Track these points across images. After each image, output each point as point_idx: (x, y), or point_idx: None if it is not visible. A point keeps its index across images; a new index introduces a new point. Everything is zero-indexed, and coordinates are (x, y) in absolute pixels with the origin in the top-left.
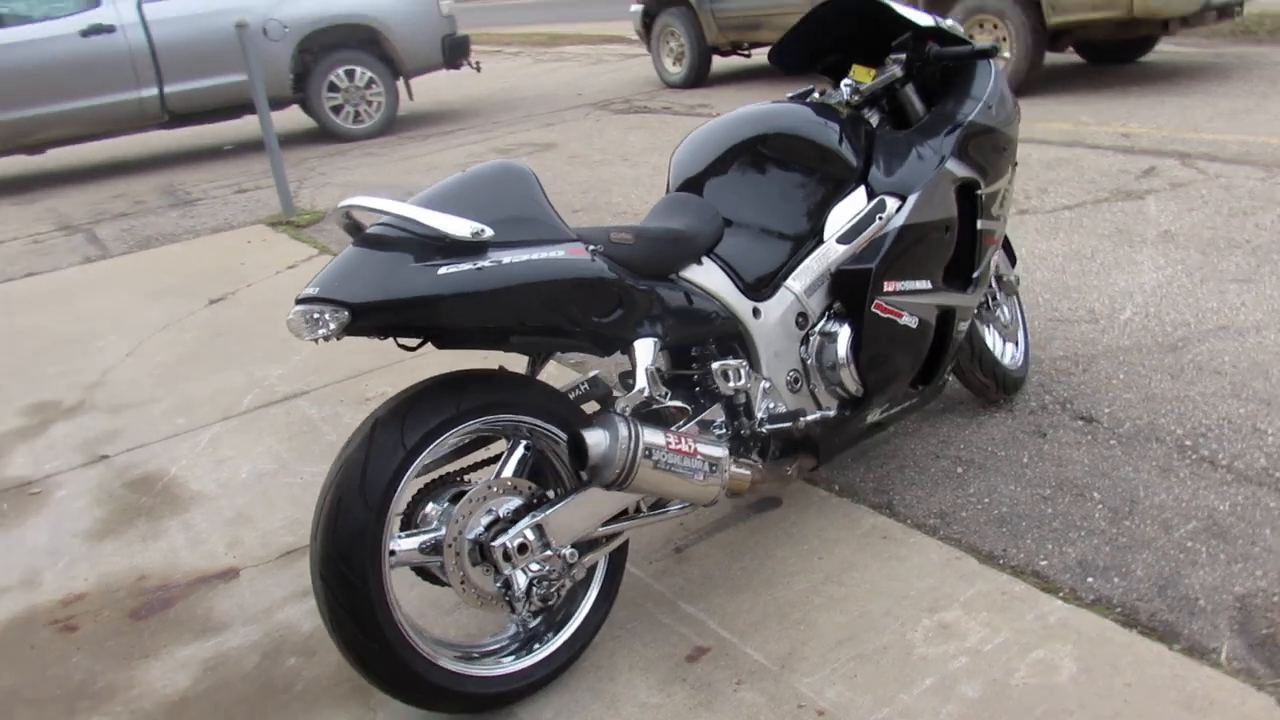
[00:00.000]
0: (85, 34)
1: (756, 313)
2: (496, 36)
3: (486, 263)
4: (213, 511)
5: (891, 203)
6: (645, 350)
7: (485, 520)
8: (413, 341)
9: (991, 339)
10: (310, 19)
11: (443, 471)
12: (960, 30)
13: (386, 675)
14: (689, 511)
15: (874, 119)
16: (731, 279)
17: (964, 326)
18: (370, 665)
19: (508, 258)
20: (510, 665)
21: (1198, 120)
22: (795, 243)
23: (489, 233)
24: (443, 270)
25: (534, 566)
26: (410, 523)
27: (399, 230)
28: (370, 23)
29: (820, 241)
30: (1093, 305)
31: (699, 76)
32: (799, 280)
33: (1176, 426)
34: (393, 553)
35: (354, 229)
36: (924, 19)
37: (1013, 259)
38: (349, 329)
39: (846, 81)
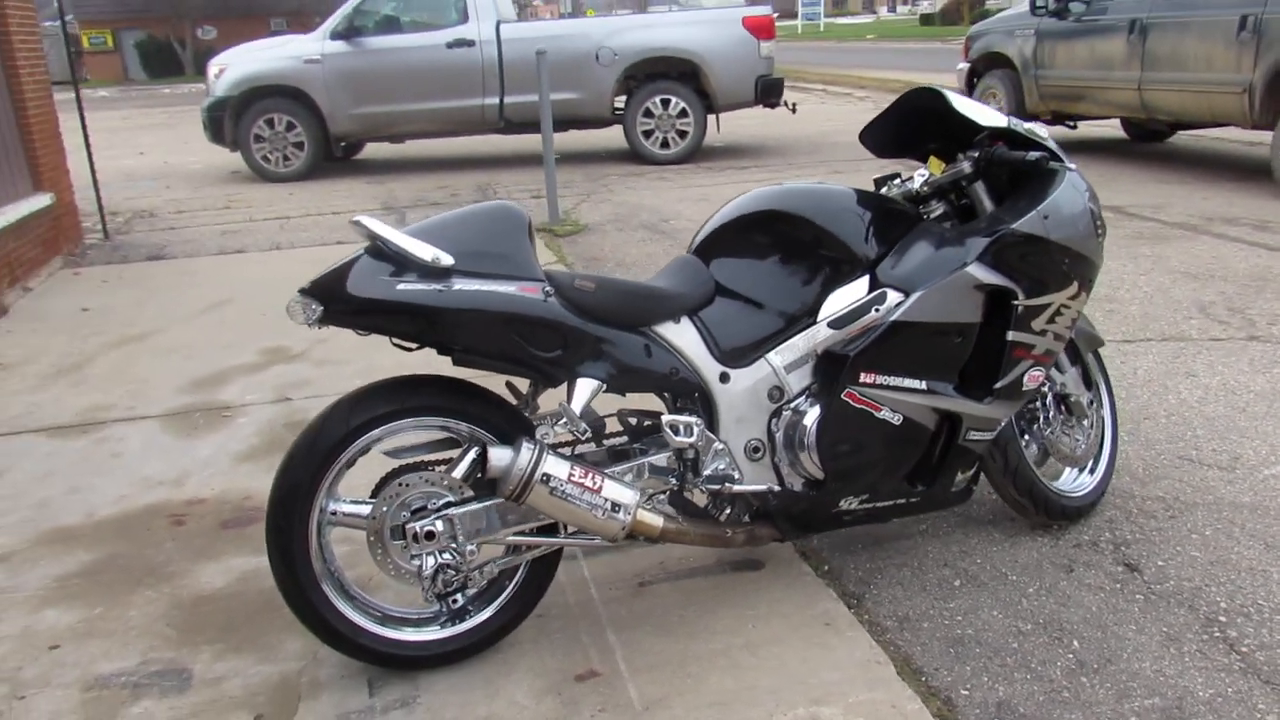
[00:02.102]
0: (450, 45)
1: (725, 378)
2: (853, 79)
3: (439, 286)
4: None
5: (893, 296)
6: (582, 389)
7: (416, 505)
8: (411, 344)
9: (1041, 458)
10: (639, 49)
11: (429, 458)
12: (1041, 135)
13: (299, 610)
14: (610, 546)
15: (938, 211)
16: (705, 342)
17: (979, 436)
18: (288, 599)
19: (462, 285)
20: (411, 635)
21: None
22: (785, 319)
23: (447, 260)
24: (400, 286)
25: (445, 556)
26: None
27: (388, 248)
28: (692, 57)
29: (813, 322)
30: (1243, 452)
31: None
32: (781, 355)
33: (1223, 599)
34: (334, 513)
35: (371, 237)
36: (991, 119)
37: (1089, 382)
38: (324, 319)
39: (920, 171)
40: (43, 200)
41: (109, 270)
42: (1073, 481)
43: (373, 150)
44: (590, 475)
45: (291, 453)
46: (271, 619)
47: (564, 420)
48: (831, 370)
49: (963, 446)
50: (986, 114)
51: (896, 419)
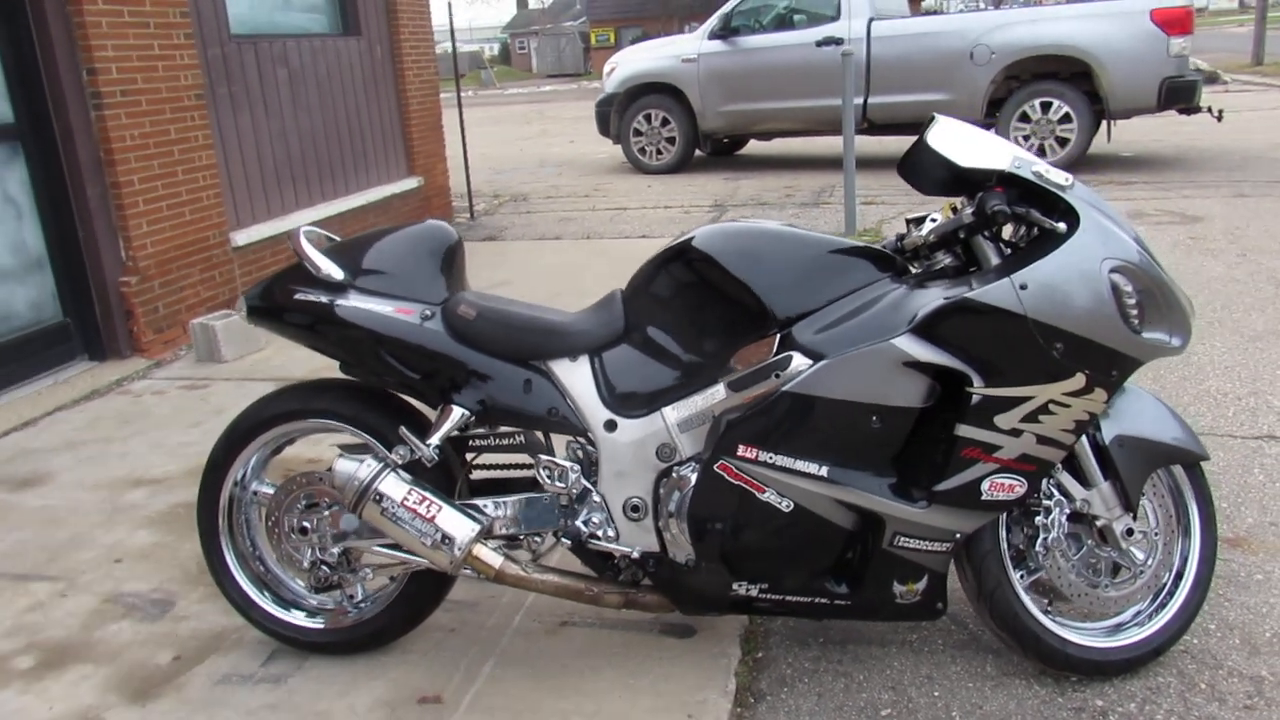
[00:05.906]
0: (820, 44)
1: (611, 425)
2: None
3: (326, 299)
4: None
5: (799, 362)
6: (448, 416)
7: (313, 500)
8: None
9: (1035, 594)
10: (1020, 46)
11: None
12: (1058, 181)
13: (211, 570)
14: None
15: (943, 263)
16: (597, 384)
17: (915, 545)
18: (205, 556)
19: (344, 300)
20: (294, 619)
21: None
22: (690, 373)
23: (338, 275)
24: (297, 295)
25: (324, 553)
26: None
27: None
28: (1083, 56)
29: (715, 381)
30: None
31: None
32: (678, 411)
33: None
34: (255, 493)
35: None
36: (978, 159)
37: (1128, 503)
38: (249, 317)
39: (933, 216)
40: (411, 183)
41: None
42: (1116, 628)
43: (751, 147)
44: (426, 502)
45: (220, 435)
46: None
47: (411, 446)
48: (711, 435)
49: (890, 553)
50: (977, 150)
51: (785, 505)
